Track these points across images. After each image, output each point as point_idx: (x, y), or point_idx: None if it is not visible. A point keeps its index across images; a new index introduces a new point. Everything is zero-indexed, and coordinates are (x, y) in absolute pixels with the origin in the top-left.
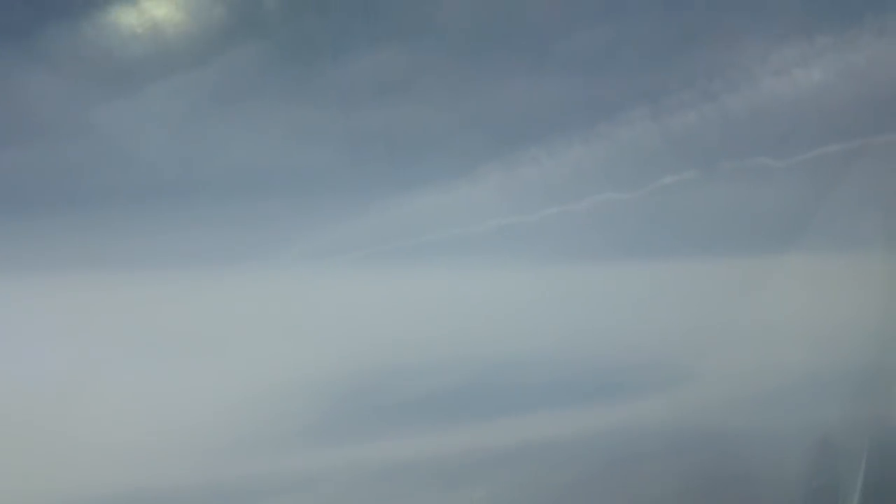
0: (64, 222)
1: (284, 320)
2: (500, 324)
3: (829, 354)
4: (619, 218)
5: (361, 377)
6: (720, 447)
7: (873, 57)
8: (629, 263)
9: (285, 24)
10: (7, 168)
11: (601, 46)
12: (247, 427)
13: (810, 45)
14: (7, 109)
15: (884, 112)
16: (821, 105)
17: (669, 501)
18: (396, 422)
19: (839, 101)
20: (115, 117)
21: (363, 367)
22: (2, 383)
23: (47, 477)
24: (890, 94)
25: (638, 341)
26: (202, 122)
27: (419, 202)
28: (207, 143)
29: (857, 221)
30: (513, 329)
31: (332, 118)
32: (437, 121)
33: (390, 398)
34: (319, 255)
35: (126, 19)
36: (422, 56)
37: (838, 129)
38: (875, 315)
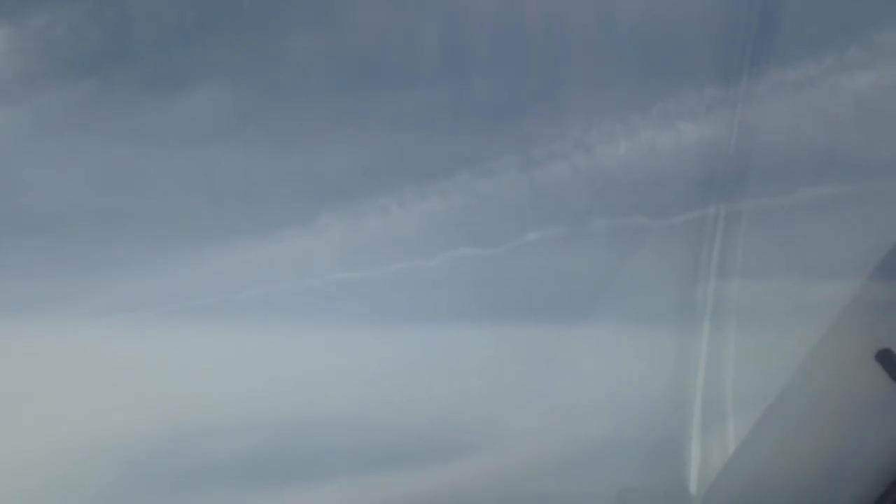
0: None
1: (73, 380)
2: (316, 385)
3: (627, 422)
4: (468, 276)
5: (158, 441)
6: None
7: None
8: (467, 324)
9: (100, 59)
10: None
11: (464, 91)
12: (30, 496)
13: (694, 98)
14: None
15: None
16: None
17: None
18: (194, 488)
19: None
20: None
21: (161, 430)
22: None
23: None
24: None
25: (450, 405)
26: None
27: (243, 253)
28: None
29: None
30: (328, 391)
31: (149, 159)
32: (271, 166)
33: (189, 463)
34: (121, 309)
35: None
36: (256, 94)
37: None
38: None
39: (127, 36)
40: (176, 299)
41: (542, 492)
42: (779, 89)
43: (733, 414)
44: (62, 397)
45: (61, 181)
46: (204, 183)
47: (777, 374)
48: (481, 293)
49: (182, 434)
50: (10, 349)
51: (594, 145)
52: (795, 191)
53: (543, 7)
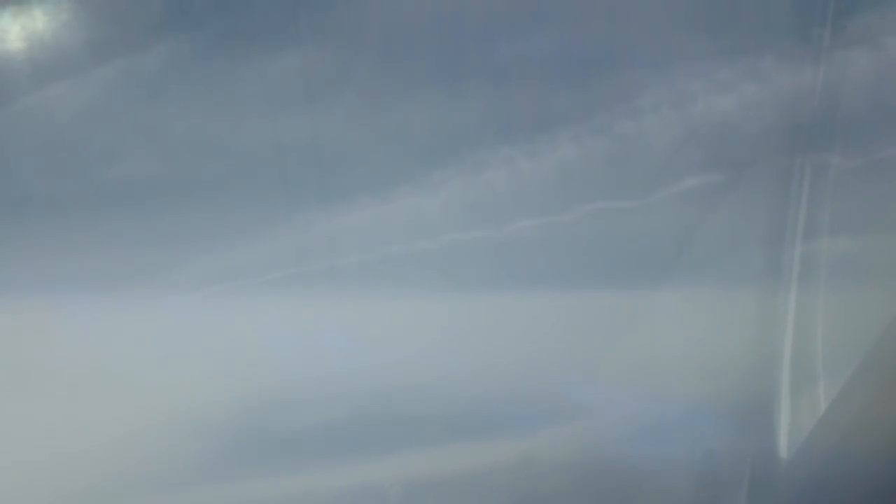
0: None
1: (173, 351)
2: (418, 352)
3: (714, 385)
4: (556, 240)
5: (256, 410)
6: (617, 479)
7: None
8: (560, 287)
9: (192, 23)
10: None
11: (566, 42)
12: (135, 464)
13: (777, 51)
14: None
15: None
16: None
17: None
18: (291, 456)
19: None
20: None
21: (258, 399)
22: None
23: None
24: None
25: (542, 371)
26: (85, 128)
27: (350, 217)
28: (92, 153)
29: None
30: (428, 358)
31: (248, 123)
32: (379, 123)
33: (285, 432)
34: (222, 278)
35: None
36: (359, 50)
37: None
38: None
39: None
40: (279, 267)
41: (631, 456)
42: (864, 39)
43: (823, 374)
44: (160, 368)
45: (157, 149)
46: (305, 146)
47: (866, 332)
48: (574, 256)
49: (283, 403)
50: (108, 321)
51: (678, 102)
52: (883, 144)
53: None
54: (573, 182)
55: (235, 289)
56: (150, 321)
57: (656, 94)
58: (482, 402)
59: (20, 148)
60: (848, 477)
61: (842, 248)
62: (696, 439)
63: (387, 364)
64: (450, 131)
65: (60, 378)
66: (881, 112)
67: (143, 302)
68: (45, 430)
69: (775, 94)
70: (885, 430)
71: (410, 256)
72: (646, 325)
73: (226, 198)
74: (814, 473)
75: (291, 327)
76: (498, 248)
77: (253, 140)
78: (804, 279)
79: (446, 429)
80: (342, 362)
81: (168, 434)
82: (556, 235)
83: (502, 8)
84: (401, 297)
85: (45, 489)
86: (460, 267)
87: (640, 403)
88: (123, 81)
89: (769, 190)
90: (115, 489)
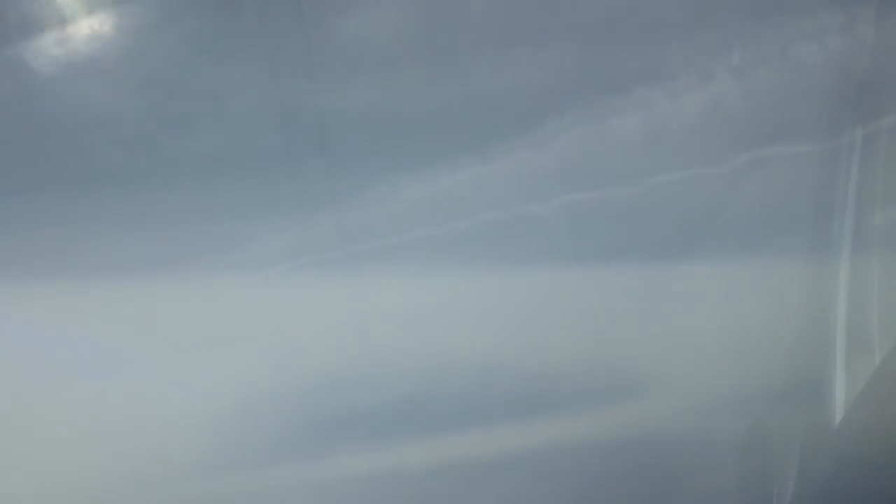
0: None
1: (240, 331)
2: (479, 328)
3: (768, 358)
4: (609, 217)
5: (331, 388)
6: (670, 455)
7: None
8: (613, 261)
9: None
10: None
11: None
12: (212, 444)
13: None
14: None
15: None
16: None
17: None
18: (370, 433)
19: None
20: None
21: (332, 377)
22: None
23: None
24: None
25: (599, 348)
26: (147, 103)
27: (410, 191)
28: (154, 128)
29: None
30: (489, 334)
31: (302, 98)
32: (431, 96)
33: (362, 409)
34: (279, 258)
35: None
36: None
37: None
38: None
39: None
40: (334, 246)
41: (683, 432)
42: None
43: (878, 345)
44: (221, 349)
45: (218, 124)
46: (366, 119)
47: None
48: (623, 231)
49: (342, 382)
50: (169, 301)
51: (727, 74)
52: None
53: None
54: (620, 157)
55: (302, 266)
56: (213, 301)
57: (702, 66)
58: (546, 379)
59: (80, 124)
60: None
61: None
62: (749, 413)
63: (447, 343)
64: (507, 101)
65: (128, 360)
66: None
67: (206, 281)
68: (115, 413)
69: (824, 62)
70: None
71: (475, 231)
72: (697, 299)
73: (290, 172)
74: (865, 444)
75: (356, 305)
76: (541, 224)
77: (315, 113)
78: (857, 249)
79: (500, 409)
80: (404, 342)
81: (236, 416)
82: (604, 210)
83: None
84: (462, 274)
85: (119, 471)
86: (519, 242)
87: (693, 378)
88: (185, 53)
89: (820, 160)
90: (187, 472)
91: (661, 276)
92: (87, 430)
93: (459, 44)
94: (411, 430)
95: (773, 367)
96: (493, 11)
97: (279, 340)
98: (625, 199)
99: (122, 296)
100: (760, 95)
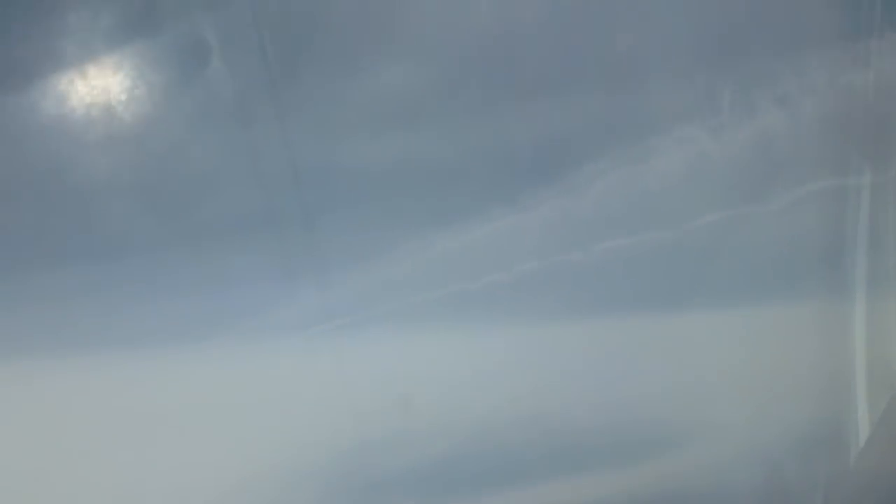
0: None
1: (264, 399)
2: (496, 389)
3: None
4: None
5: (356, 453)
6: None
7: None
8: (637, 311)
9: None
10: None
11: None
12: None
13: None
14: None
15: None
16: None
17: None
18: (398, 497)
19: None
20: None
21: (356, 442)
22: None
23: None
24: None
25: (634, 400)
26: (172, 162)
27: (443, 245)
28: (181, 188)
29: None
30: (527, 389)
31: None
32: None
33: (388, 473)
34: (321, 318)
35: None
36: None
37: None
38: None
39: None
40: (384, 300)
41: (713, 480)
42: None
43: None
44: (267, 409)
45: (249, 179)
46: (409, 166)
47: None
48: (650, 280)
49: (379, 444)
50: (210, 365)
51: (737, 120)
52: None
53: None
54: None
55: (343, 326)
56: (254, 363)
57: (717, 111)
58: (587, 433)
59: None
60: None
61: None
62: (772, 461)
63: (482, 401)
64: (561, 142)
65: (168, 426)
66: None
67: (246, 344)
68: (154, 479)
69: (834, 103)
70: None
71: (505, 284)
72: (717, 346)
73: (310, 233)
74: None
75: (387, 366)
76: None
77: (355, 162)
78: (873, 290)
79: (550, 463)
80: (439, 401)
81: (280, 481)
82: (614, 260)
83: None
84: (491, 329)
85: None
86: (542, 295)
87: (716, 427)
88: (208, 110)
89: (833, 201)
90: None
91: (678, 325)
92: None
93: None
94: (446, 490)
95: (795, 413)
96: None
97: (309, 406)
98: (635, 249)
99: (161, 361)
100: (775, 138)
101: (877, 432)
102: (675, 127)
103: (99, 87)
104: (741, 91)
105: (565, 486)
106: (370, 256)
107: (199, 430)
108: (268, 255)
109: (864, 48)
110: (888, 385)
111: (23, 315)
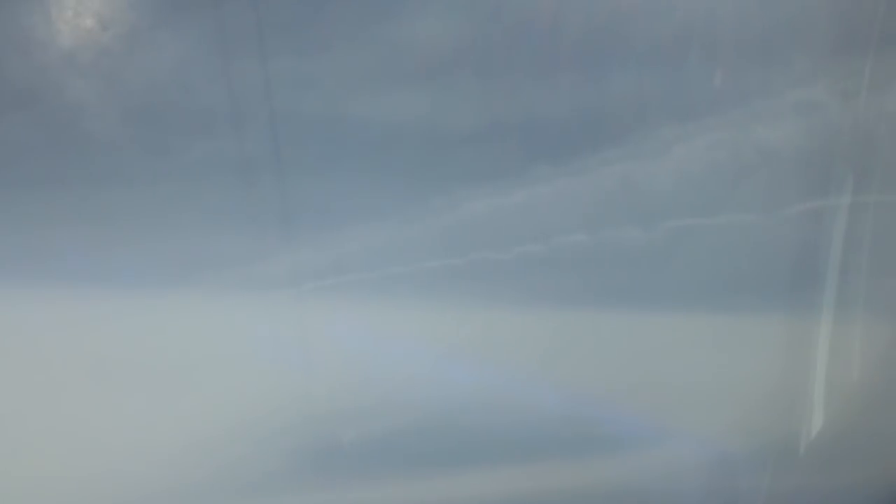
0: None
1: (224, 357)
2: (458, 370)
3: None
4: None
5: (315, 420)
6: None
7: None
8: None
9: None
10: None
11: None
12: (195, 476)
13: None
14: None
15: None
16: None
17: None
18: (354, 468)
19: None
20: None
21: (317, 409)
22: None
23: None
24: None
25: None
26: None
27: (430, 222)
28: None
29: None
30: (474, 377)
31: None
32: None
33: (346, 442)
34: (283, 283)
35: None
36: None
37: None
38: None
39: None
40: (317, 276)
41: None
42: None
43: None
44: (223, 367)
45: (251, 126)
46: (417, 129)
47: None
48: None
49: (340, 413)
50: (186, 316)
51: (717, 141)
52: None
53: None
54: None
55: (311, 290)
56: (215, 319)
57: (686, 128)
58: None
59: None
60: None
61: (878, 285)
62: (720, 472)
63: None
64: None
65: (124, 373)
66: None
67: (230, 297)
68: (134, 423)
69: (813, 131)
70: None
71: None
72: (682, 348)
73: (296, 200)
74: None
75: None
76: None
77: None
78: (841, 310)
79: (525, 445)
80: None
81: (245, 439)
82: (574, 258)
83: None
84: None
85: (130, 484)
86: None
87: (660, 433)
88: (212, 54)
89: (811, 219)
90: (203, 489)
91: (646, 325)
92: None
93: None
94: (409, 466)
95: (751, 420)
96: None
97: (280, 363)
98: (606, 249)
99: (141, 307)
100: (758, 153)
101: (826, 443)
102: (660, 134)
103: (80, 15)
104: (725, 105)
105: (518, 473)
106: (350, 222)
107: (151, 382)
108: (240, 208)
109: (849, 74)
110: (844, 402)
111: None
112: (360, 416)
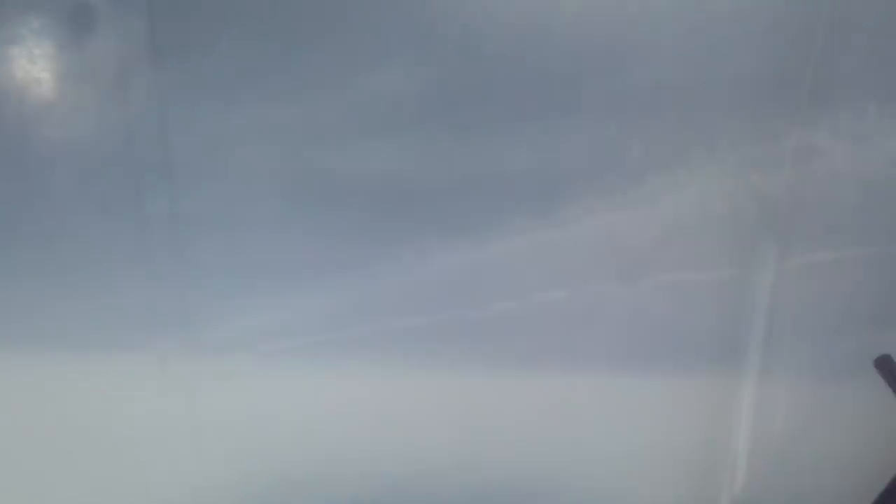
0: None
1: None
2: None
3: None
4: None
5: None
6: None
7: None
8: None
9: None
10: None
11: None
12: None
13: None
14: None
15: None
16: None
17: None
18: None
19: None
20: None
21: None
22: None
23: None
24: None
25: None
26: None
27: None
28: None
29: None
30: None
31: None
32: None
33: None
34: (246, 344)
35: None
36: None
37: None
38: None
39: None
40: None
41: None
42: (833, 144)
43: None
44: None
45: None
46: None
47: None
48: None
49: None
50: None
51: (647, 198)
52: (847, 246)
53: None
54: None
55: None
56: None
57: (621, 188)
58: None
59: None
60: None
61: (805, 345)
62: None
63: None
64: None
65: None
66: (847, 213)
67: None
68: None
69: (738, 194)
70: None
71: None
72: (608, 410)
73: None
74: None
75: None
76: None
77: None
78: (765, 374)
79: None
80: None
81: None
82: (509, 320)
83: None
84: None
85: None
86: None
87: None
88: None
89: (733, 286)
90: None
91: (569, 386)
92: None
93: None
94: None
95: (673, 480)
96: None
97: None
98: (532, 310)
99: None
100: (679, 222)
101: None
102: (590, 196)
103: None
104: (653, 169)
105: None
106: (313, 279)
107: (99, 449)
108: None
109: (775, 138)
110: (766, 466)
111: None
112: (319, 484)
